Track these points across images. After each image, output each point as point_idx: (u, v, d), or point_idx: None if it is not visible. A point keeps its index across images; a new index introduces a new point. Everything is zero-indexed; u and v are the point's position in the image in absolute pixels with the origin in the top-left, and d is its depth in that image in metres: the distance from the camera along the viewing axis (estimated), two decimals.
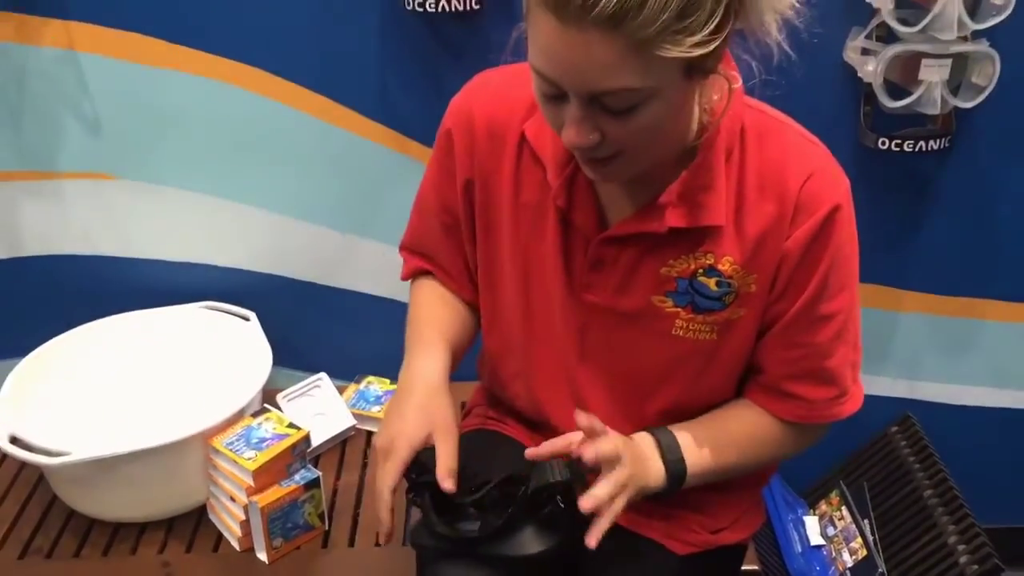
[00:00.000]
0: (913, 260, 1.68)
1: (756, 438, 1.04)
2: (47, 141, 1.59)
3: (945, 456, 1.62)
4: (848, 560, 1.61)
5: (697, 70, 0.81)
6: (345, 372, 1.71)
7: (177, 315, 1.64)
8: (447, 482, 0.93)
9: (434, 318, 1.09)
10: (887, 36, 1.45)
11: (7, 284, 1.69)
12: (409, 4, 1.43)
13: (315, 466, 1.45)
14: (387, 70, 1.54)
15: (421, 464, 0.95)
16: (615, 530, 1.01)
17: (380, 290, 1.71)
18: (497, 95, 1.02)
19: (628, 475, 0.92)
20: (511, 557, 0.92)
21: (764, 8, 0.81)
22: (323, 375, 1.69)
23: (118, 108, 1.56)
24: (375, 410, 1.62)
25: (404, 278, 1.18)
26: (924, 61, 1.42)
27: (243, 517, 1.34)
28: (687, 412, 1.03)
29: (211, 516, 1.43)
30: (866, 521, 1.63)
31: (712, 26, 0.77)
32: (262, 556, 1.35)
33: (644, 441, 0.99)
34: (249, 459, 1.30)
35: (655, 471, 0.97)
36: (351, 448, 1.59)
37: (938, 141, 1.51)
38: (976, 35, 1.44)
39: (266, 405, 1.45)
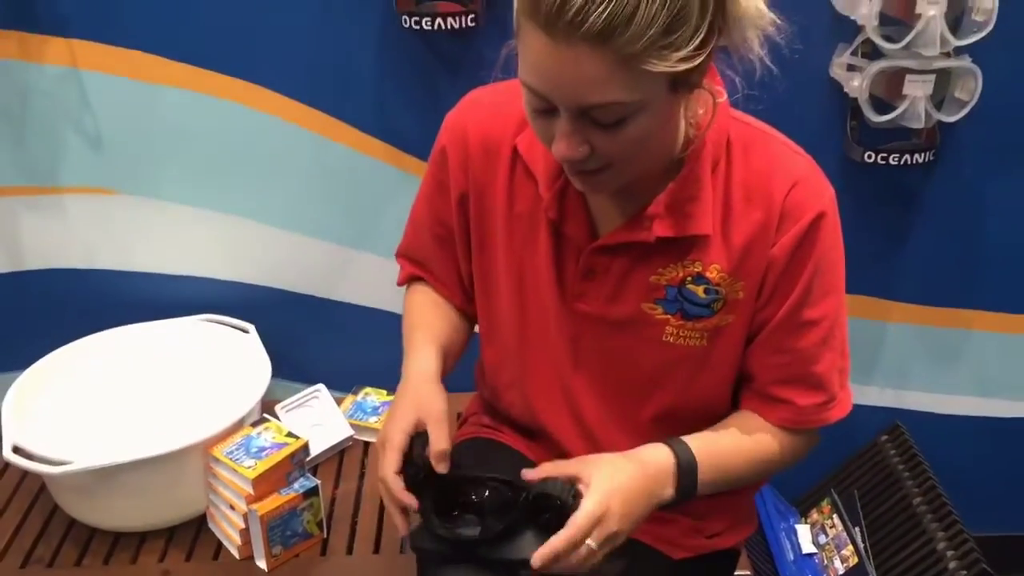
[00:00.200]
0: (900, 271, 1.71)
1: (761, 449, 1.03)
2: (49, 156, 1.61)
3: (934, 464, 1.64)
4: (840, 567, 1.62)
5: (682, 84, 0.84)
6: (343, 383, 1.73)
7: (177, 327, 1.66)
8: (440, 465, 0.94)
9: (425, 323, 1.12)
10: (872, 52, 1.48)
11: (9, 298, 1.71)
12: (406, 22, 1.45)
13: (313, 476, 1.46)
14: (384, 87, 1.57)
15: (414, 461, 0.95)
16: None
17: (377, 303, 1.73)
18: (490, 111, 1.05)
19: (605, 536, 0.90)
20: (511, 561, 0.92)
21: (746, 25, 0.84)
22: (321, 386, 1.70)
23: (119, 124, 1.59)
24: (372, 421, 1.64)
25: (400, 283, 1.22)
26: (908, 77, 1.45)
27: (242, 525, 1.35)
28: (680, 418, 1.04)
29: (210, 525, 1.44)
30: (857, 529, 1.65)
31: (697, 42, 0.80)
32: (261, 564, 1.36)
33: (659, 458, 0.97)
34: (249, 468, 1.32)
35: (660, 494, 0.96)
36: (348, 458, 1.61)
37: (923, 154, 1.54)
38: (958, 51, 1.47)
39: (265, 415, 1.47)
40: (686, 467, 0.96)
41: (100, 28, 1.52)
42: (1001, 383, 1.81)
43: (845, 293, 1.01)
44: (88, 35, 1.52)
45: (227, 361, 1.61)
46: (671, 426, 1.04)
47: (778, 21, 0.86)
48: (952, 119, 1.49)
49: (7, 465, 1.48)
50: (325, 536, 1.42)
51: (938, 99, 1.50)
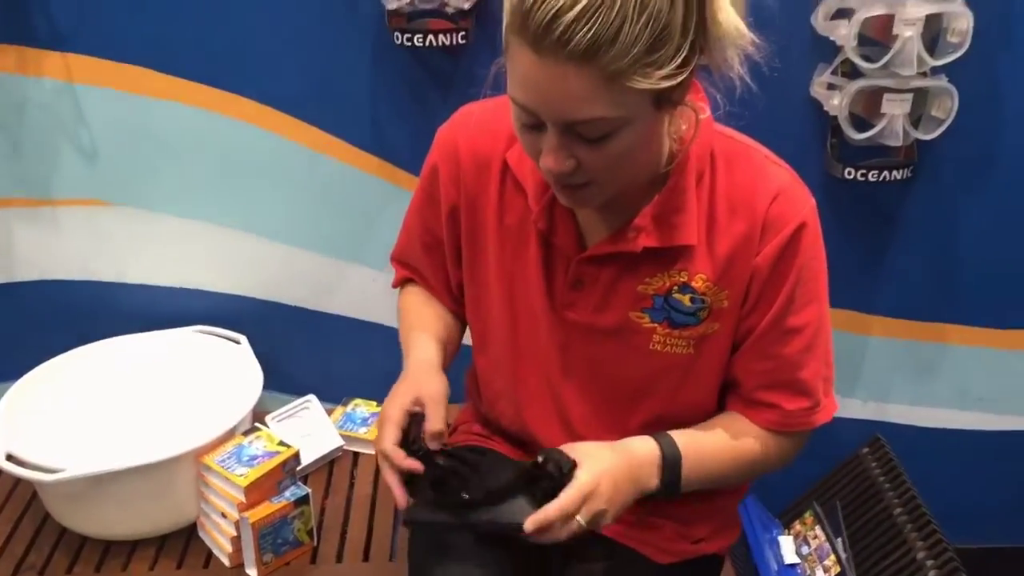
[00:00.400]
0: (880, 286, 1.73)
1: (746, 449, 1.06)
2: (44, 168, 1.62)
3: (914, 476, 1.66)
4: None
5: (666, 101, 0.87)
6: (333, 395, 1.74)
7: (170, 338, 1.67)
8: (433, 443, 0.97)
9: (422, 320, 1.15)
10: (851, 72, 1.52)
11: (3, 308, 1.72)
12: (398, 39, 1.48)
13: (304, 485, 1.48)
14: (377, 102, 1.59)
15: (410, 441, 0.98)
16: (595, 539, 1.05)
17: (368, 315, 1.75)
18: (480, 127, 1.08)
19: (594, 512, 0.93)
20: (505, 524, 0.94)
21: (727, 45, 0.86)
22: (312, 397, 1.72)
23: (113, 137, 1.60)
24: (362, 431, 1.65)
25: (394, 286, 1.25)
26: (886, 95, 1.49)
27: (234, 533, 1.37)
28: (669, 424, 1.06)
29: (201, 533, 1.45)
30: (839, 539, 1.66)
31: (679, 60, 0.83)
32: (252, 572, 1.37)
33: (645, 449, 1.00)
34: (241, 476, 1.34)
35: (646, 483, 0.99)
36: (338, 468, 1.62)
37: (901, 171, 1.57)
38: (935, 71, 1.51)
39: (256, 425, 1.49)
40: (671, 459, 1.00)
41: (96, 43, 1.54)
42: (980, 396, 1.83)
43: (828, 304, 1.04)
44: (84, 50, 1.54)
45: (219, 371, 1.63)
46: (660, 431, 1.05)
47: (758, 41, 0.88)
48: (929, 137, 1.53)
49: (0, 474, 1.49)
50: (315, 544, 1.44)
51: (915, 117, 1.53)
